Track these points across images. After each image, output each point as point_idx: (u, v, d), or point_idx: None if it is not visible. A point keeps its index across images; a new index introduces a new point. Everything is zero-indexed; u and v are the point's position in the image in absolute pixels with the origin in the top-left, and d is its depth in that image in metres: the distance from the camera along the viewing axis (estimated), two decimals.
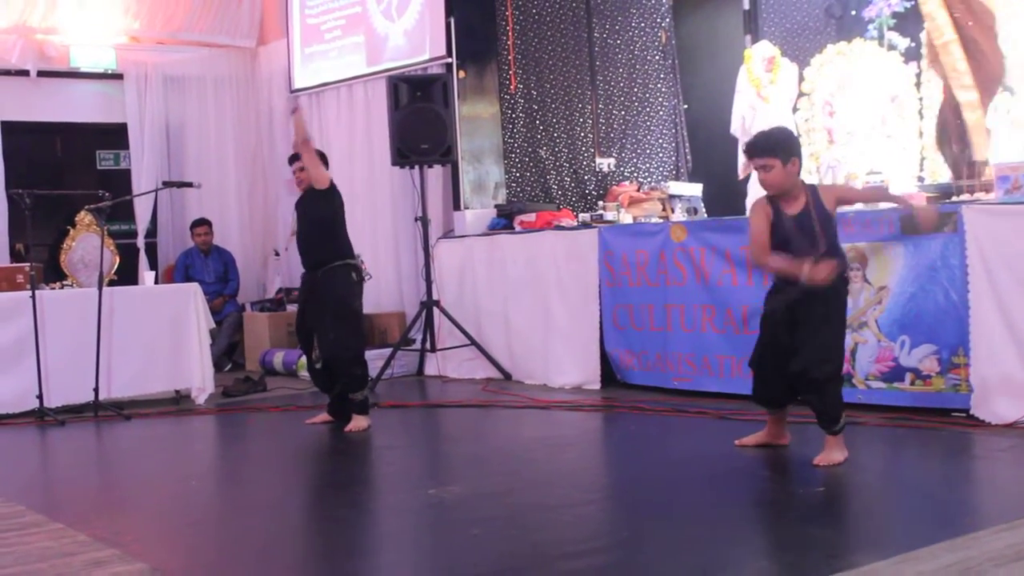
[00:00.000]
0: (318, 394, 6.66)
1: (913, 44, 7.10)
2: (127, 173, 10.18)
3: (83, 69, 9.90)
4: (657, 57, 9.58)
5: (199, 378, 7.38)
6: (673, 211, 8.20)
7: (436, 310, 8.05)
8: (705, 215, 8.28)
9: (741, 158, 8.01)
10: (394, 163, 8.27)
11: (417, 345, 8.24)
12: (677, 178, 9.34)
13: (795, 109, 7.71)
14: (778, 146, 4.65)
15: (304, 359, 7.48)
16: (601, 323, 7.18)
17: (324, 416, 6.37)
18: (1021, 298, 5.15)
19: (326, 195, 6.16)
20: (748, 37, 8.71)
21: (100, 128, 10.33)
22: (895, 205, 5.39)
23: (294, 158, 6.32)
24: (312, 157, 6.14)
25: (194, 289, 7.57)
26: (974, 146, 6.39)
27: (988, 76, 6.36)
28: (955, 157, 6.53)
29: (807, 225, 4.59)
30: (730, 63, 8.41)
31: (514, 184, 8.82)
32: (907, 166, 7.12)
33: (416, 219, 8.24)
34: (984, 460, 4.80)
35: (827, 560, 3.32)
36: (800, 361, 4.60)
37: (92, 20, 9.83)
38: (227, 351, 9.54)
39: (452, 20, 8.48)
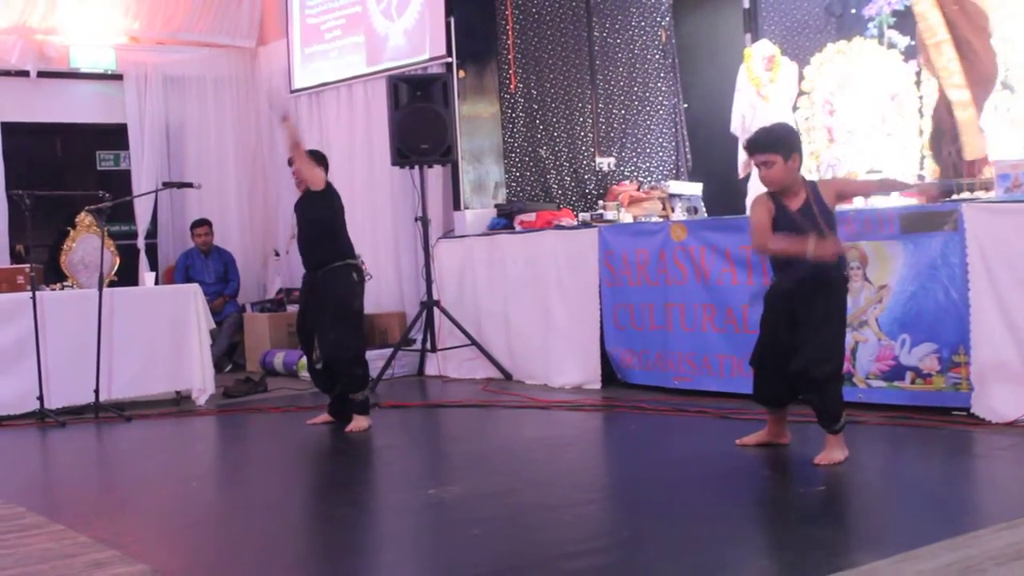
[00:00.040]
0: (319, 395, 6.66)
1: (913, 42, 7.10)
2: (127, 174, 10.18)
3: (83, 69, 9.90)
4: (657, 56, 9.58)
5: (199, 379, 7.38)
6: (673, 210, 8.20)
7: (436, 310, 8.05)
8: (705, 214, 8.28)
9: (741, 157, 8.02)
10: (394, 163, 8.27)
11: (417, 345, 8.24)
12: (677, 177, 9.34)
13: (795, 108, 7.70)
14: (779, 142, 4.65)
15: (304, 360, 7.49)
16: (601, 323, 7.18)
17: (325, 416, 6.37)
18: (1021, 297, 5.14)
19: (324, 196, 6.15)
20: (748, 36, 8.71)
21: (100, 129, 10.33)
22: (895, 191, 5.35)
23: (293, 160, 6.32)
24: (305, 161, 6.13)
25: (194, 290, 7.57)
26: (964, 145, 6.41)
27: (981, 76, 6.39)
28: (946, 156, 6.56)
29: (809, 219, 4.59)
30: (730, 62, 8.41)
31: (514, 184, 8.82)
32: (907, 164, 7.11)
33: (416, 219, 8.24)
34: (984, 459, 4.80)
35: (827, 559, 3.32)
36: (800, 360, 4.60)
37: (92, 20, 9.83)
38: (227, 352, 9.54)
39: (452, 20, 8.48)
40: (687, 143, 9.58)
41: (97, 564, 3.63)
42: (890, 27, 7.27)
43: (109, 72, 10.03)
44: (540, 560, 3.56)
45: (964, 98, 6.42)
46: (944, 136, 6.61)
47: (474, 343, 7.90)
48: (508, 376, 7.77)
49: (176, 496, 4.86)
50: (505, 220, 8.20)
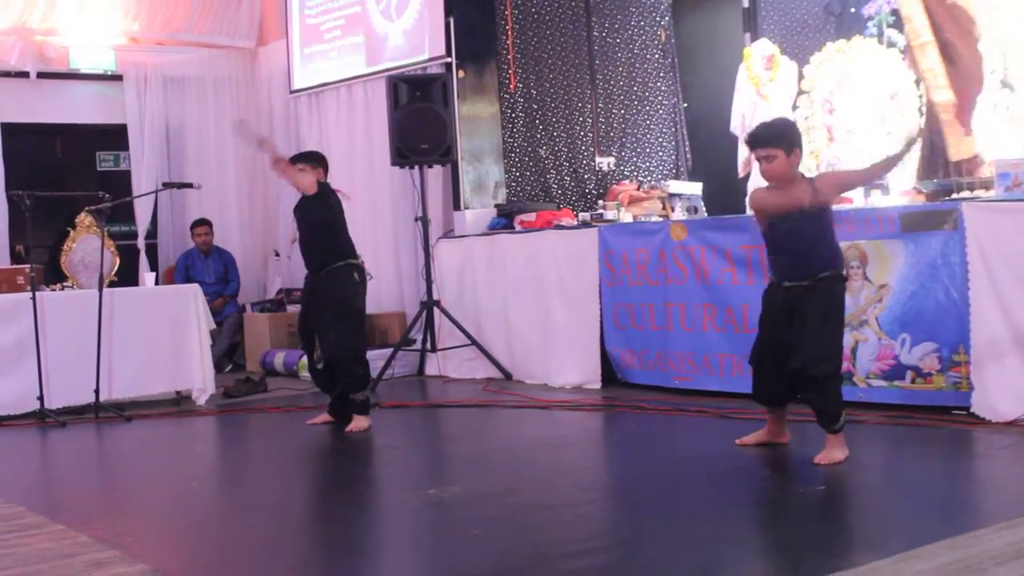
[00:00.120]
0: (319, 395, 6.66)
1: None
2: (127, 174, 10.18)
3: (83, 70, 9.91)
4: (657, 56, 9.57)
5: (200, 379, 7.38)
6: (673, 210, 8.19)
7: (436, 310, 8.05)
8: (705, 214, 8.28)
9: (741, 156, 8.02)
10: (394, 163, 8.27)
11: (417, 345, 8.24)
12: (677, 177, 9.34)
13: (795, 107, 7.70)
14: (781, 136, 4.66)
15: (304, 360, 7.50)
16: (602, 322, 7.18)
17: (325, 416, 6.37)
18: (1021, 296, 5.14)
19: (321, 198, 6.14)
20: (747, 35, 8.70)
21: (100, 129, 10.33)
22: (889, 169, 5.25)
23: (294, 160, 6.32)
24: (292, 171, 6.14)
25: (194, 290, 7.57)
26: (949, 146, 6.44)
27: (965, 79, 6.41)
28: (928, 156, 6.59)
29: (807, 214, 4.61)
30: (730, 61, 8.41)
31: (514, 184, 8.82)
32: (906, 163, 7.10)
33: (416, 219, 8.24)
34: (985, 458, 4.80)
35: (827, 559, 3.32)
36: (798, 359, 4.60)
37: (91, 21, 9.83)
38: (228, 352, 9.54)
39: (451, 20, 8.48)
40: (687, 143, 9.58)
41: (97, 564, 3.63)
42: (889, 26, 7.27)
43: (109, 73, 10.03)
44: (541, 560, 3.56)
45: (948, 99, 6.46)
46: (933, 136, 6.64)
47: (474, 343, 7.90)
48: (508, 376, 7.77)
49: (176, 496, 4.86)
50: (505, 220, 8.20)
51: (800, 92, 7.68)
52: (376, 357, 7.60)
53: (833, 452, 4.59)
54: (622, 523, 4.09)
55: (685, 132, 9.58)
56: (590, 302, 7.22)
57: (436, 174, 8.63)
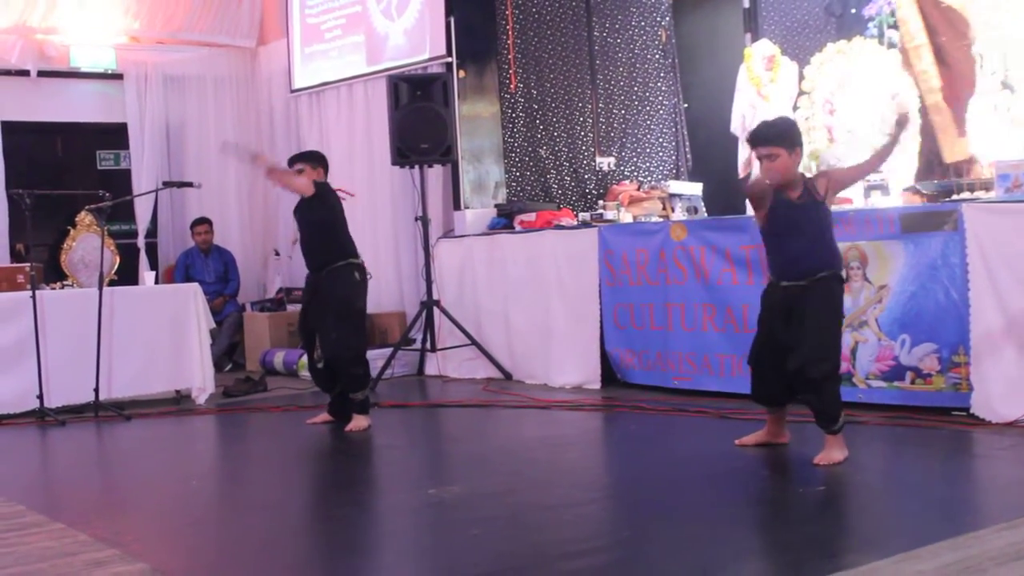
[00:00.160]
0: (319, 394, 6.66)
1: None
2: (127, 173, 10.18)
3: (83, 69, 9.90)
4: (657, 56, 9.57)
5: (199, 378, 7.38)
6: (673, 210, 8.19)
7: (436, 310, 8.05)
8: (705, 214, 8.28)
9: (741, 157, 8.02)
10: (394, 163, 8.27)
11: (417, 345, 8.24)
12: (677, 177, 9.34)
13: (795, 107, 7.70)
14: (783, 135, 4.67)
15: (304, 359, 7.50)
16: (601, 322, 7.18)
17: (325, 416, 6.37)
18: (1021, 297, 5.14)
19: (319, 198, 6.14)
20: (748, 36, 8.70)
21: (100, 128, 10.33)
22: (884, 160, 5.22)
23: (293, 160, 6.32)
24: (287, 177, 6.16)
25: (194, 289, 7.57)
26: (943, 148, 6.45)
27: (958, 82, 6.42)
28: (925, 158, 6.60)
29: (806, 211, 4.62)
30: (730, 62, 8.41)
31: (514, 184, 8.82)
32: (906, 164, 7.11)
33: (416, 219, 8.24)
34: (984, 459, 4.80)
35: (827, 559, 3.32)
36: (796, 359, 4.60)
37: (92, 20, 9.83)
38: (227, 351, 9.54)
39: (452, 19, 8.48)
40: (687, 143, 9.58)
41: (97, 563, 3.63)
42: (890, 27, 7.27)
43: (109, 72, 10.03)
44: (541, 560, 3.56)
45: (940, 102, 6.47)
46: (927, 137, 6.66)
47: (474, 343, 7.90)
48: (508, 376, 7.77)
49: (176, 495, 4.86)
50: (505, 220, 8.20)
51: (800, 93, 7.68)
52: (376, 357, 7.60)
53: (832, 452, 4.59)
54: (622, 523, 4.09)
55: (685, 132, 9.59)
56: (590, 302, 7.22)
57: (436, 174, 8.63)
